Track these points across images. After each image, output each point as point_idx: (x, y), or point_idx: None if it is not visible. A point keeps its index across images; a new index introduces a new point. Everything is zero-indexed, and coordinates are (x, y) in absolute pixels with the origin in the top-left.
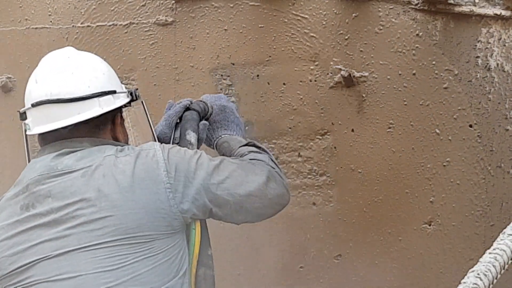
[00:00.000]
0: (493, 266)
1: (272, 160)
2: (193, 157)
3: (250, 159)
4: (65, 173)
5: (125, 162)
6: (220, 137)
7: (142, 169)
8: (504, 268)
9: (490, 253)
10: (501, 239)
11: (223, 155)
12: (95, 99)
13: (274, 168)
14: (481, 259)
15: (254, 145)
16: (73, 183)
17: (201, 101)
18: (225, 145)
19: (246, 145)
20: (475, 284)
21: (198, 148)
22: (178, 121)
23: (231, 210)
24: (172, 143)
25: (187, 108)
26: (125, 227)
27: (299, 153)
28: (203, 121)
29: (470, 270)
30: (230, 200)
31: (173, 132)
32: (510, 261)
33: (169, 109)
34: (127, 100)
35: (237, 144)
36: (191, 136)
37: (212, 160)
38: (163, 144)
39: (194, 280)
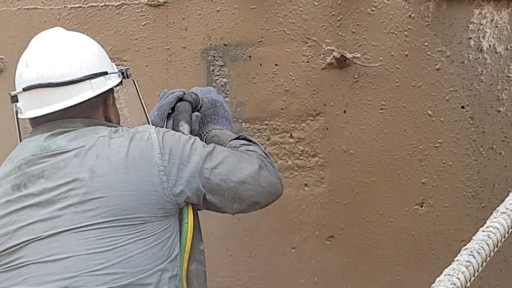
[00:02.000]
0: (487, 244)
1: (263, 152)
2: (187, 141)
3: (244, 150)
4: (58, 153)
5: (119, 143)
6: (210, 131)
7: (136, 151)
8: (497, 246)
9: (483, 231)
10: (494, 217)
11: None
12: (87, 81)
13: (266, 158)
14: (474, 237)
15: (245, 138)
16: (66, 163)
17: (193, 92)
18: (215, 139)
19: (237, 138)
20: (468, 261)
21: None
22: (170, 111)
23: (225, 198)
24: None
25: (180, 99)
26: (117, 209)
27: (291, 134)
28: (196, 113)
29: (464, 248)
30: (223, 185)
31: (165, 122)
32: (503, 239)
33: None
34: (119, 80)
35: (228, 137)
36: (184, 128)
37: (206, 146)
38: (158, 127)
39: (185, 275)
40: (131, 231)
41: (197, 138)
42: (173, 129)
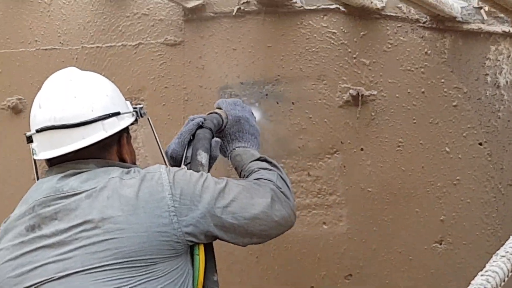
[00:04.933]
0: None
1: (281, 178)
2: (199, 180)
3: (256, 179)
4: (70, 195)
5: (130, 184)
6: (234, 149)
7: (146, 192)
8: None
9: (482, 275)
10: (494, 261)
11: (235, 168)
12: (99, 122)
13: (280, 188)
14: (473, 282)
15: (265, 160)
16: (78, 205)
17: (215, 113)
18: (238, 158)
19: (257, 159)
20: None
21: (210, 166)
22: (192, 138)
23: (236, 234)
24: (184, 162)
25: (200, 126)
26: (128, 250)
27: (308, 173)
28: (215, 139)
29: None
30: (235, 223)
31: (185, 150)
32: (502, 283)
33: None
34: (132, 120)
35: (249, 158)
36: (202, 157)
37: (218, 183)
38: (169, 167)
39: None
40: (141, 272)
41: (209, 175)
42: (192, 158)
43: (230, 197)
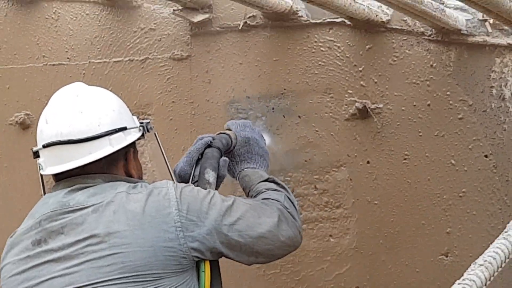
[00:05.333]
0: None
1: (288, 199)
2: (206, 197)
3: (264, 199)
4: (77, 209)
5: (137, 199)
6: (242, 170)
7: (153, 207)
8: None
9: (459, 283)
10: (472, 269)
11: (243, 188)
12: (106, 137)
13: (288, 209)
14: None
15: (273, 181)
16: (84, 219)
17: (224, 133)
18: (246, 179)
19: (266, 180)
20: None
21: (218, 185)
22: (200, 157)
23: (241, 252)
24: (191, 181)
25: (209, 145)
26: (133, 265)
27: (315, 186)
28: (223, 158)
29: None
30: (241, 241)
31: (193, 169)
32: None
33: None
34: (138, 135)
35: (257, 179)
36: (210, 175)
37: (225, 200)
38: (177, 183)
39: None
40: (147, 287)
41: (216, 192)
42: (199, 176)
43: (237, 215)
